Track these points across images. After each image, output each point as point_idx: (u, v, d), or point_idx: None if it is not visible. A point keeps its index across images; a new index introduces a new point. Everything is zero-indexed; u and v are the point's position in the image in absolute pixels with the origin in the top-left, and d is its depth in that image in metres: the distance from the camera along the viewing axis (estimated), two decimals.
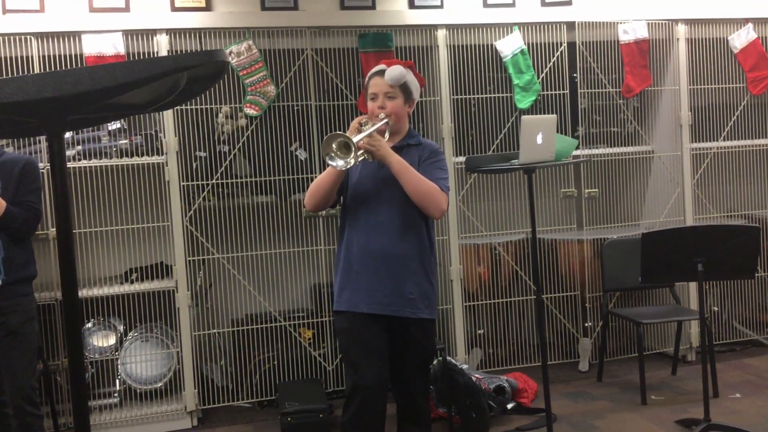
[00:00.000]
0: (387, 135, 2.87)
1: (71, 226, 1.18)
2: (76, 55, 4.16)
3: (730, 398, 4.32)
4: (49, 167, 4.04)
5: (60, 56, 4.13)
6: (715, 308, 5.36)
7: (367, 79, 2.99)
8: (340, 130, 4.50)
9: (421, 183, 2.80)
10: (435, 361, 4.12)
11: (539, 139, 3.29)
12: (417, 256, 2.91)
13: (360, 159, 2.70)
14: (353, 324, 2.90)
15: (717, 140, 5.16)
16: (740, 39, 5.10)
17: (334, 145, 2.62)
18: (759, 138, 5.26)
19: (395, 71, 2.86)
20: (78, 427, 1.22)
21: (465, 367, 4.29)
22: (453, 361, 4.26)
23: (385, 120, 2.85)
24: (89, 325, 4.40)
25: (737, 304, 5.39)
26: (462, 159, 4.44)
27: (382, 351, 2.91)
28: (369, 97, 2.94)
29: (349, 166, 2.64)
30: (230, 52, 4.36)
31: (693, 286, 5.04)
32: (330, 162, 2.64)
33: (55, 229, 4.12)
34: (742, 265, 3.78)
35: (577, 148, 4.77)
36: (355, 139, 2.62)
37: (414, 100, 2.99)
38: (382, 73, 2.90)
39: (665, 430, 3.90)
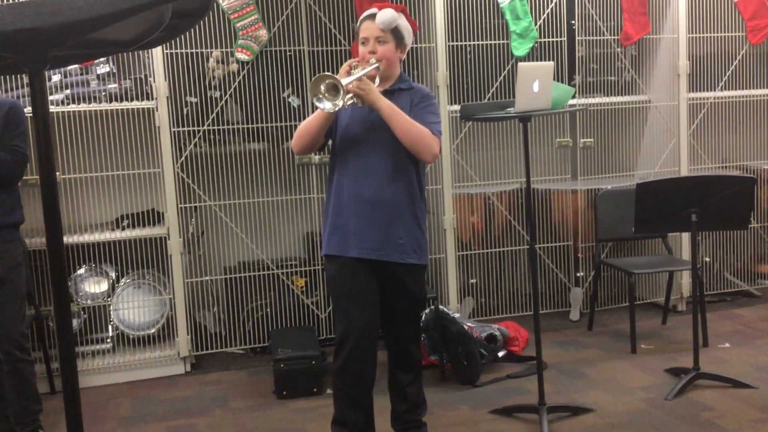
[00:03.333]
0: (378, 80, 2.81)
1: (54, 168, 1.14)
2: None
3: (719, 348, 4.36)
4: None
5: None
6: (707, 259, 5.37)
7: (358, 22, 2.93)
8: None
9: (412, 127, 2.76)
10: (427, 310, 4.14)
11: (536, 87, 3.23)
12: (407, 202, 2.89)
13: (349, 103, 2.65)
14: (343, 270, 2.89)
15: (714, 90, 5.11)
16: None
17: (322, 87, 2.57)
18: (756, 88, 5.20)
19: (386, 15, 2.80)
20: (65, 374, 1.20)
21: (457, 315, 4.30)
22: (445, 309, 4.27)
23: (376, 65, 2.79)
24: (81, 271, 4.39)
25: (729, 254, 5.41)
26: (457, 107, 4.39)
27: (372, 297, 2.91)
28: (360, 42, 2.88)
29: (336, 109, 2.59)
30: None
31: (685, 236, 5.04)
32: (318, 104, 2.59)
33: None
34: (736, 215, 3.78)
35: (573, 96, 4.71)
36: (344, 82, 2.57)
37: (406, 45, 2.93)
38: (373, 16, 2.84)
39: (655, 378, 3.94)
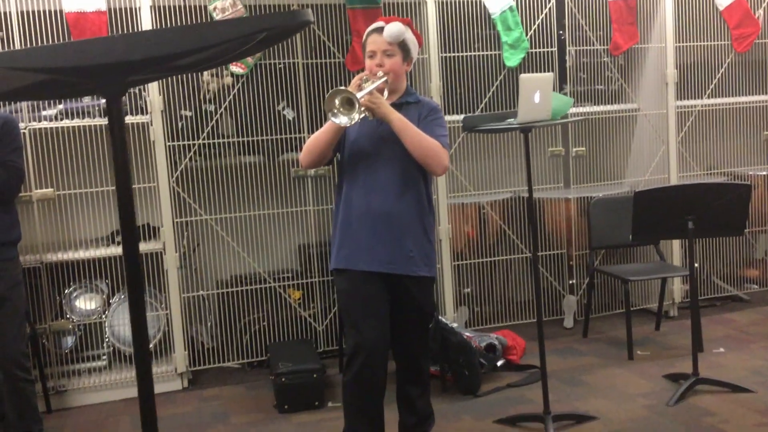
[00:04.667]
0: (386, 93, 2.82)
1: (131, 187, 1.13)
2: (55, 12, 4.02)
3: (714, 353, 4.41)
4: (37, 128, 3.97)
5: (39, 12, 4.00)
6: (696, 264, 5.42)
7: (364, 36, 2.93)
8: (328, 89, 4.44)
9: (423, 140, 2.77)
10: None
11: (537, 98, 3.26)
12: (416, 214, 2.90)
13: (362, 116, 2.66)
14: (353, 283, 2.89)
15: (702, 98, 5.18)
16: None
17: (336, 101, 2.58)
18: (743, 95, 5.28)
19: (394, 28, 2.81)
20: (143, 404, 1.18)
21: (455, 325, 4.31)
22: (443, 320, 4.28)
23: (384, 78, 2.80)
24: (72, 288, 4.34)
25: (717, 260, 5.48)
26: (450, 118, 4.41)
27: (382, 310, 2.91)
28: (367, 55, 2.89)
29: (352, 123, 2.60)
30: (214, 8, 4.26)
31: (677, 243, 5.11)
32: (333, 119, 2.59)
33: (45, 190, 4.05)
34: (732, 222, 3.83)
35: None
36: (357, 96, 2.58)
37: (412, 58, 2.94)
38: (380, 30, 2.85)
39: (654, 385, 3.97)
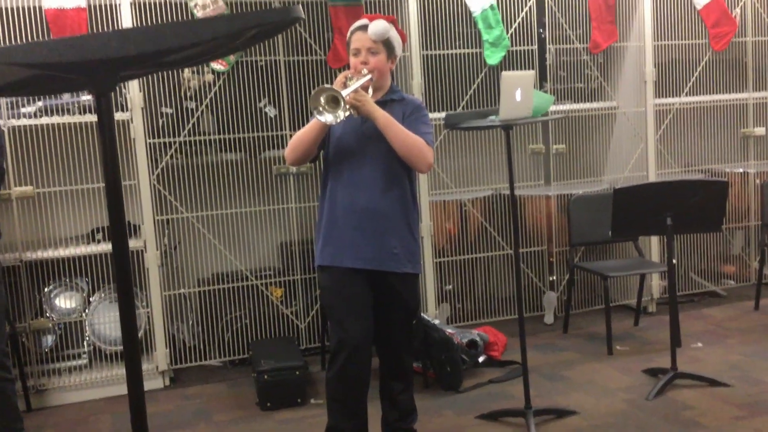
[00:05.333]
0: (371, 91, 2.83)
1: (120, 183, 1.13)
2: (34, 8, 3.99)
3: (692, 347, 4.47)
4: (16, 125, 3.93)
5: (17, 8, 3.96)
6: (674, 260, 5.49)
7: (348, 33, 2.94)
8: (310, 86, 4.45)
9: (407, 137, 2.79)
10: None
11: (518, 96, 3.29)
12: (400, 211, 2.91)
13: (347, 114, 2.66)
14: (337, 280, 2.90)
15: (680, 96, 5.25)
16: None
17: (322, 99, 2.58)
18: (720, 93, 5.35)
19: (379, 26, 2.82)
20: (132, 390, 1.18)
21: (437, 322, 4.33)
22: (425, 316, 4.30)
23: (369, 76, 2.82)
24: (52, 287, 4.31)
25: (694, 256, 5.54)
26: (432, 115, 4.43)
27: (366, 307, 2.92)
28: (351, 53, 2.89)
29: (338, 121, 2.61)
30: (195, 4, 4.24)
31: (655, 239, 5.17)
32: (318, 117, 2.60)
33: (24, 188, 4.01)
34: (709, 218, 3.89)
35: None
36: (343, 93, 2.58)
37: (396, 56, 2.96)
38: (365, 28, 2.86)
39: (633, 379, 4.02)
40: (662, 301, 5.23)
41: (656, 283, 5.21)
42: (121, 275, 1.16)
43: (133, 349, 1.19)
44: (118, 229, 1.12)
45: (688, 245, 5.46)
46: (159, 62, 1.10)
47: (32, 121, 4.03)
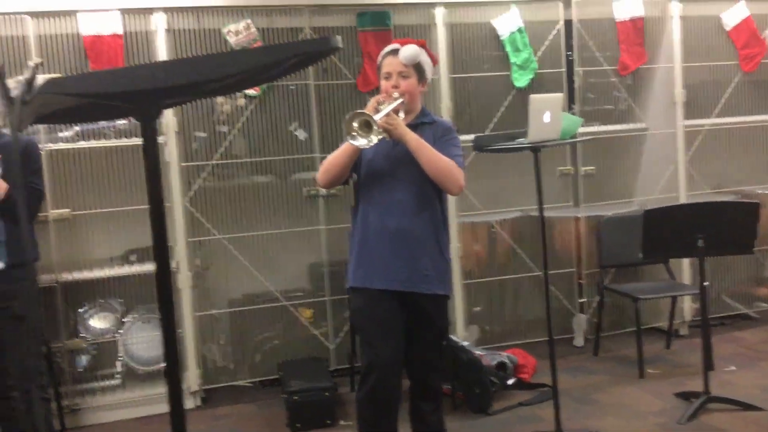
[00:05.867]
0: (402, 114, 2.87)
1: (163, 207, 1.17)
2: (72, 35, 4.10)
3: (725, 371, 4.41)
4: (54, 149, 4.03)
5: (56, 36, 4.07)
6: (706, 283, 5.43)
7: (380, 58, 2.99)
8: (339, 110, 4.51)
9: (439, 160, 2.82)
10: None
11: (546, 118, 3.31)
12: (432, 233, 2.94)
13: (380, 138, 2.70)
14: (368, 302, 2.93)
15: (710, 117, 5.22)
16: (732, 17, 5.15)
17: (355, 124, 2.63)
18: (750, 114, 5.32)
19: (410, 50, 2.86)
20: (173, 410, 1.22)
21: (466, 344, 4.33)
22: (454, 338, 4.30)
23: (400, 99, 2.85)
24: (86, 307, 4.38)
25: (726, 278, 5.48)
26: (460, 137, 4.45)
27: (397, 328, 2.94)
28: (383, 77, 2.94)
29: (371, 145, 2.65)
30: (228, 31, 4.33)
31: (686, 261, 5.12)
32: (352, 141, 2.64)
33: (61, 211, 4.10)
34: (741, 240, 3.86)
35: None
36: (375, 118, 2.62)
37: (427, 79, 3.00)
38: (396, 52, 2.90)
39: (665, 403, 3.98)
40: (694, 324, 5.18)
41: (688, 306, 5.16)
42: (163, 295, 1.20)
43: (173, 368, 1.23)
44: (161, 250, 1.16)
45: (720, 267, 5.41)
46: (201, 91, 1.15)
47: (69, 145, 4.14)
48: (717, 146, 5.34)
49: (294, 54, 1.04)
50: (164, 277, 1.18)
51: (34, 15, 4.02)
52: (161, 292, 1.18)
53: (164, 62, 0.93)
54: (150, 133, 1.08)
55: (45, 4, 4.02)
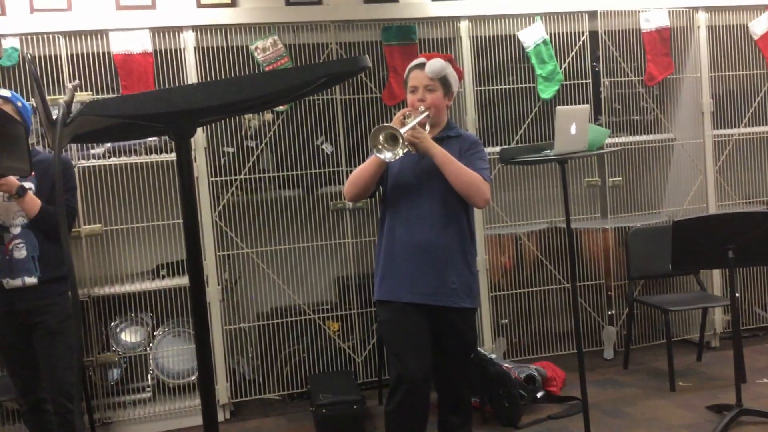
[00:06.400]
0: (428, 127, 2.89)
1: (197, 221, 1.20)
2: (103, 53, 4.18)
3: (757, 383, 4.35)
4: (85, 165, 4.10)
5: (88, 54, 4.15)
6: (737, 294, 5.37)
7: (406, 72, 3.01)
8: (365, 123, 4.54)
9: (465, 174, 2.83)
10: None
11: (573, 130, 3.31)
12: (458, 247, 2.94)
13: (405, 151, 2.72)
14: (396, 315, 2.94)
15: (738, 127, 5.18)
16: (761, 25, 5.11)
17: (381, 137, 2.65)
18: None
19: (436, 64, 2.88)
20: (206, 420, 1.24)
21: (494, 357, 4.32)
22: (482, 351, 4.29)
23: (426, 113, 2.87)
24: (118, 321, 4.44)
25: (758, 289, 5.42)
26: (486, 149, 4.46)
27: (424, 341, 2.94)
28: (409, 90, 2.96)
29: (397, 158, 2.67)
30: (256, 48, 4.38)
31: (717, 272, 5.07)
32: (378, 154, 2.67)
33: (93, 226, 4.17)
34: None
35: None
36: (401, 131, 2.65)
37: (453, 92, 3.01)
38: (422, 66, 2.92)
39: (696, 416, 3.93)
40: (725, 336, 5.12)
41: (719, 317, 5.11)
42: (197, 308, 1.23)
43: (208, 380, 1.25)
44: (195, 265, 1.19)
45: (751, 278, 5.34)
46: (234, 110, 1.17)
47: (101, 162, 4.20)
48: (746, 156, 5.28)
49: (326, 74, 1.06)
50: (199, 293, 1.20)
51: (67, 35, 4.11)
52: (195, 307, 1.21)
53: (201, 84, 0.96)
54: (185, 151, 1.11)
55: (77, 24, 4.10)
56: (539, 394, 4.32)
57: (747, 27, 5.14)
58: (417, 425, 2.97)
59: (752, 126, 5.21)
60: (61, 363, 3.38)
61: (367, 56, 1.12)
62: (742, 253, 3.73)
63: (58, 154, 0.99)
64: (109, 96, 4.17)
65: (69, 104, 1.03)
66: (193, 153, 4.27)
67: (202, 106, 0.99)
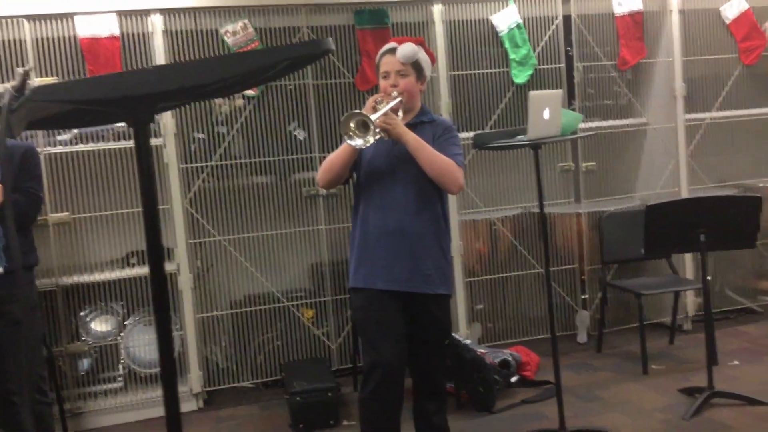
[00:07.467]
0: (401, 113, 2.86)
1: (157, 212, 1.16)
2: (69, 37, 4.08)
3: (729, 366, 4.40)
4: (52, 152, 4.02)
5: (54, 39, 4.06)
6: (709, 277, 5.41)
7: (378, 57, 2.97)
8: (338, 108, 4.49)
9: (438, 159, 2.80)
10: None
11: (546, 115, 3.29)
12: (433, 233, 2.92)
13: (377, 137, 2.69)
14: (370, 302, 2.91)
15: (710, 111, 5.20)
16: (732, 9, 5.13)
17: (352, 124, 2.61)
18: (751, 108, 5.30)
19: (407, 49, 2.85)
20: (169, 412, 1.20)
21: (468, 342, 4.31)
22: (457, 337, 4.28)
23: (399, 98, 2.84)
24: (87, 310, 4.37)
25: (729, 272, 5.47)
26: (460, 135, 4.44)
27: (399, 328, 2.92)
28: (381, 76, 2.93)
29: (368, 145, 2.63)
30: (225, 32, 4.31)
31: (688, 256, 5.11)
32: (349, 141, 2.63)
33: (60, 214, 4.09)
34: (744, 234, 3.84)
35: None
36: (372, 118, 2.61)
37: (426, 77, 2.98)
38: (393, 50, 2.88)
39: (669, 399, 3.97)
40: (697, 319, 5.16)
41: (691, 301, 5.15)
42: (158, 297, 1.19)
43: (170, 371, 1.22)
44: (156, 254, 1.15)
45: (723, 261, 5.39)
46: (192, 95, 1.13)
47: (68, 149, 4.12)
48: (718, 140, 5.31)
49: (286, 57, 1.03)
50: (160, 286, 1.16)
51: (31, 18, 4.01)
52: (157, 297, 1.17)
53: (154, 67, 0.93)
54: (142, 137, 1.07)
55: (42, 7, 4.00)
56: (513, 379, 4.33)
57: (719, 11, 5.15)
58: (391, 412, 2.96)
59: (724, 110, 5.24)
60: (26, 353, 3.31)
61: (331, 39, 1.08)
62: (714, 237, 3.76)
63: (4, 140, 0.95)
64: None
65: (19, 89, 0.98)
66: (162, 139, 4.21)
67: (157, 90, 0.95)
